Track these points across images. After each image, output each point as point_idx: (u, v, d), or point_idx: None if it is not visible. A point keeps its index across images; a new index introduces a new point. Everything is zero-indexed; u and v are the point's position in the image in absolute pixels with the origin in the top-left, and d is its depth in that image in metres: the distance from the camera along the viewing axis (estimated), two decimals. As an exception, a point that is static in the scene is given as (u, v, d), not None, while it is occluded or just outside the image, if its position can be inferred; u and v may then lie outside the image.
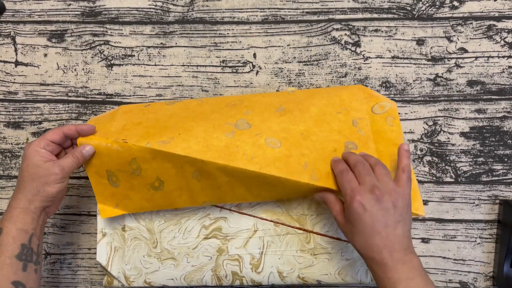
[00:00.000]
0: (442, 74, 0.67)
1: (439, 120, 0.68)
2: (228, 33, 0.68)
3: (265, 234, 0.64)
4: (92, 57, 0.69)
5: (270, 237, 0.64)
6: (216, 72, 0.69)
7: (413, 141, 0.68)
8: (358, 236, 0.51)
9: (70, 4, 0.69)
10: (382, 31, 0.67)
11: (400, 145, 0.54)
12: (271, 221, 0.64)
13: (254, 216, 0.64)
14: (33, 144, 0.56)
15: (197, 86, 0.69)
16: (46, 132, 0.57)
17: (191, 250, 0.64)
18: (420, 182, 0.68)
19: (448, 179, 0.68)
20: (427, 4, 0.67)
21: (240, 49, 0.68)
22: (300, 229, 0.64)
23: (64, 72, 0.70)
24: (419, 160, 0.68)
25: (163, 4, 0.68)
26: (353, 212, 0.50)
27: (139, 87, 0.69)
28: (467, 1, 0.66)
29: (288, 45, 0.68)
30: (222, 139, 0.57)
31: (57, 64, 0.70)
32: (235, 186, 0.58)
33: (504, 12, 0.66)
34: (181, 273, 0.64)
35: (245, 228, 0.65)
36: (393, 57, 0.67)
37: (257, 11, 0.68)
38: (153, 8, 0.68)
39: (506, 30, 0.66)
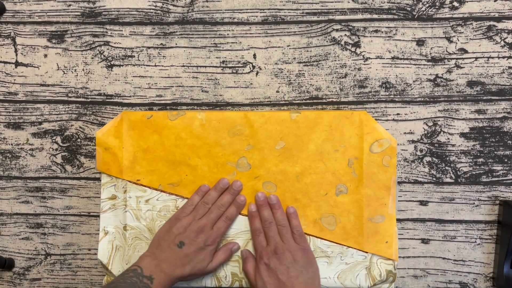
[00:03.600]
0: (442, 74, 0.67)
1: (439, 120, 0.68)
2: (228, 34, 0.68)
3: (265, 235, 0.64)
4: (92, 58, 0.69)
5: (270, 238, 0.64)
6: (216, 73, 0.69)
7: (413, 141, 0.68)
8: None
9: (70, 5, 0.69)
10: (382, 32, 0.67)
11: (287, 209, 0.63)
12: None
13: (254, 217, 0.64)
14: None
15: (197, 86, 0.69)
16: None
17: (191, 250, 0.64)
18: (420, 182, 0.68)
19: (448, 180, 0.68)
20: (427, 5, 0.67)
21: (240, 50, 0.68)
22: (300, 230, 0.64)
23: (64, 73, 0.70)
24: (419, 161, 0.68)
25: (163, 4, 0.68)
26: (260, 270, 0.60)
27: (139, 87, 0.69)
28: (467, 1, 0.66)
29: (288, 46, 0.68)
30: None
31: (57, 65, 0.70)
32: None
33: (504, 12, 0.66)
34: (181, 274, 0.64)
35: (245, 230, 0.65)
36: (393, 58, 0.67)
37: (257, 12, 0.68)
38: (153, 9, 0.69)
39: (506, 31, 0.66)
